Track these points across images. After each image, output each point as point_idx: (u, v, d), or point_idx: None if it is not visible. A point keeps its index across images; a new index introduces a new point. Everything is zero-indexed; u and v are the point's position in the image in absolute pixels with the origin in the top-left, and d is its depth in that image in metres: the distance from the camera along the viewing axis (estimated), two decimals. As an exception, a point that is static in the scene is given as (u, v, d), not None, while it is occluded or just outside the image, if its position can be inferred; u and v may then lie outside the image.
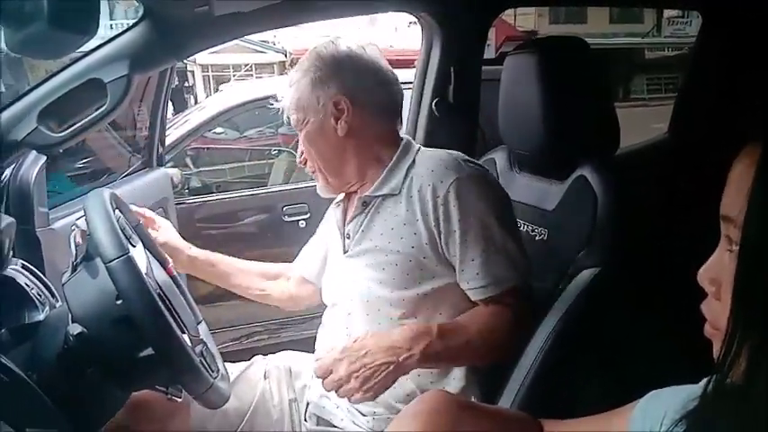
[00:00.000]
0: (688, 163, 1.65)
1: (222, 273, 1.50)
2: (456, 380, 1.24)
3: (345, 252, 1.31)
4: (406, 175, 1.26)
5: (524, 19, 16.25)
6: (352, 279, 1.28)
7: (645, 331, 1.16)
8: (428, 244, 1.20)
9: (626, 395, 0.82)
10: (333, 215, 1.40)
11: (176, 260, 1.38)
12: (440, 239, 1.20)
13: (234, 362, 1.39)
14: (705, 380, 0.70)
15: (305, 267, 1.50)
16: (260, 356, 1.45)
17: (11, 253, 1.18)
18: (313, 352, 1.38)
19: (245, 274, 1.52)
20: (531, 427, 0.89)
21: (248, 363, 1.42)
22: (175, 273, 1.28)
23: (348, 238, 1.31)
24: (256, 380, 1.37)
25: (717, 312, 0.60)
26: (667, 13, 15.81)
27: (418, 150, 1.31)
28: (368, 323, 1.23)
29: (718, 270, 0.60)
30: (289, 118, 1.32)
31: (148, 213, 1.42)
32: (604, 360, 1.14)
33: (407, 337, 1.12)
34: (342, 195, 1.38)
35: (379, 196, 1.27)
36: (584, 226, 1.23)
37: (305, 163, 1.34)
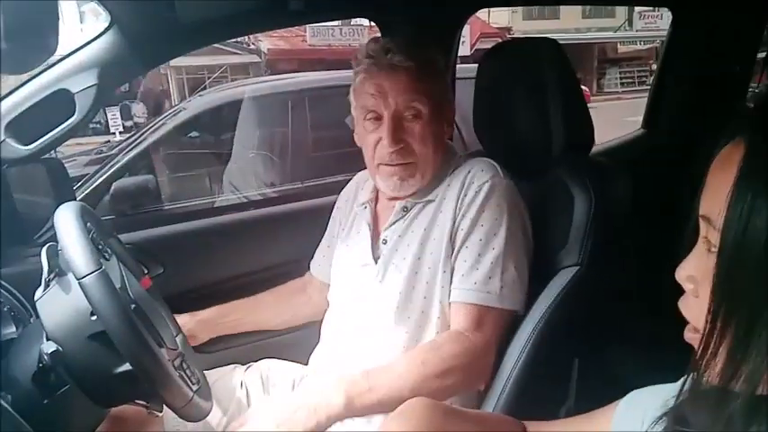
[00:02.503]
0: (663, 158, 1.67)
1: (238, 319, 1.47)
2: None
3: (377, 258, 1.27)
4: (447, 181, 1.27)
5: (498, 15, 16.38)
6: (382, 284, 1.24)
7: (625, 327, 1.17)
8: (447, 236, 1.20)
9: (609, 392, 0.83)
10: (360, 216, 1.36)
11: (194, 336, 1.41)
12: (455, 227, 1.20)
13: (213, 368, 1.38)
14: (683, 378, 0.71)
15: (323, 272, 1.46)
16: (238, 365, 1.43)
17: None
18: (291, 359, 1.40)
19: (261, 307, 1.49)
20: (515, 430, 0.89)
21: (225, 369, 1.40)
22: (151, 284, 1.26)
23: (384, 243, 1.28)
24: (232, 388, 1.35)
25: (694, 310, 0.59)
26: (638, 7, 16.00)
27: (459, 156, 1.33)
28: (393, 330, 1.20)
29: (696, 268, 0.60)
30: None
31: None
32: (586, 358, 1.14)
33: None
34: (370, 196, 1.36)
35: (420, 203, 1.27)
36: (562, 225, 1.23)
37: (396, 143, 1.23)
